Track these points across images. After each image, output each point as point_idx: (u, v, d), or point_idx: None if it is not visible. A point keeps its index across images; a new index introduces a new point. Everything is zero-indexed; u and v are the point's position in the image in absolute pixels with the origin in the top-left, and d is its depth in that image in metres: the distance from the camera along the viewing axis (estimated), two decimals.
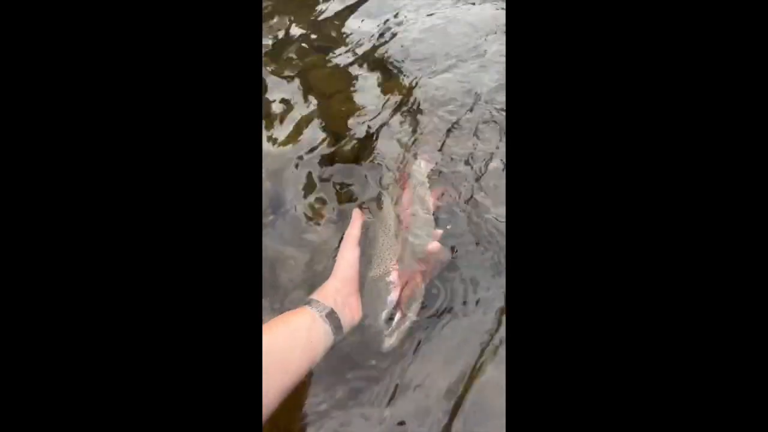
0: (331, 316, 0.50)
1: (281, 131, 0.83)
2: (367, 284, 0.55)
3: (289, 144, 0.81)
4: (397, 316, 0.51)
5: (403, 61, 0.95)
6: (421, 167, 0.69)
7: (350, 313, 0.52)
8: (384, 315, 0.51)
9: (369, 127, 0.81)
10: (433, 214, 0.62)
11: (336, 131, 0.82)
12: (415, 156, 0.73)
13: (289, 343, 0.46)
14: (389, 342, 0.51)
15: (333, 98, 0.89)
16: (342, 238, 0.60)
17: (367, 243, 0.59)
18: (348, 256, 0.56)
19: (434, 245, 0.55)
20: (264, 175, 0.73)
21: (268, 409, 0.43)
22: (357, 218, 0.61)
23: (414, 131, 0.79)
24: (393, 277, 0.54)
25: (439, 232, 0.58)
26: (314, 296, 0.52)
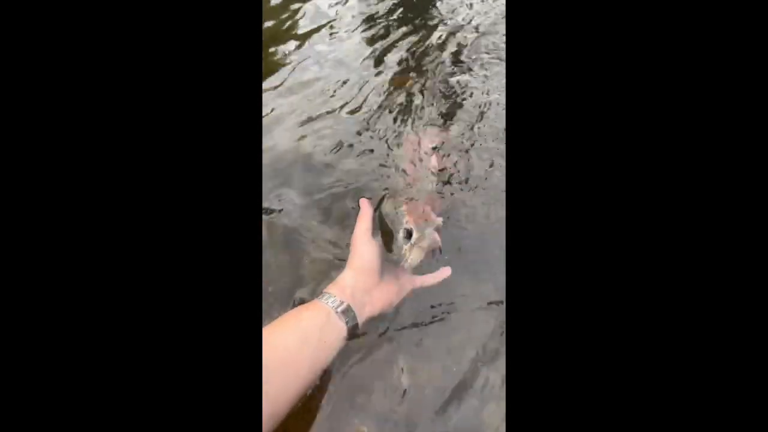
0: (347, 313, 0.46)
1: None
2: (379, 219, 0.57)
3: None
4: (415, 234, 0.51)
5: None
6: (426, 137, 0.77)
7: (370, 309, 0.49)
8: (402, 233, 0.52)
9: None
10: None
11: None
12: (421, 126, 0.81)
13: (301, 343, 0.42)
14: (411, 258, 0.51)
15: None
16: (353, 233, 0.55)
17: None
18: (364, 249, 0.51)
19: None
20: None
21: (278, 416, 0.40)
22: (366, 210, 0.55)
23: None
24: (404, 207, 0.55)
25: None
26: (329, 289, 0.48)
